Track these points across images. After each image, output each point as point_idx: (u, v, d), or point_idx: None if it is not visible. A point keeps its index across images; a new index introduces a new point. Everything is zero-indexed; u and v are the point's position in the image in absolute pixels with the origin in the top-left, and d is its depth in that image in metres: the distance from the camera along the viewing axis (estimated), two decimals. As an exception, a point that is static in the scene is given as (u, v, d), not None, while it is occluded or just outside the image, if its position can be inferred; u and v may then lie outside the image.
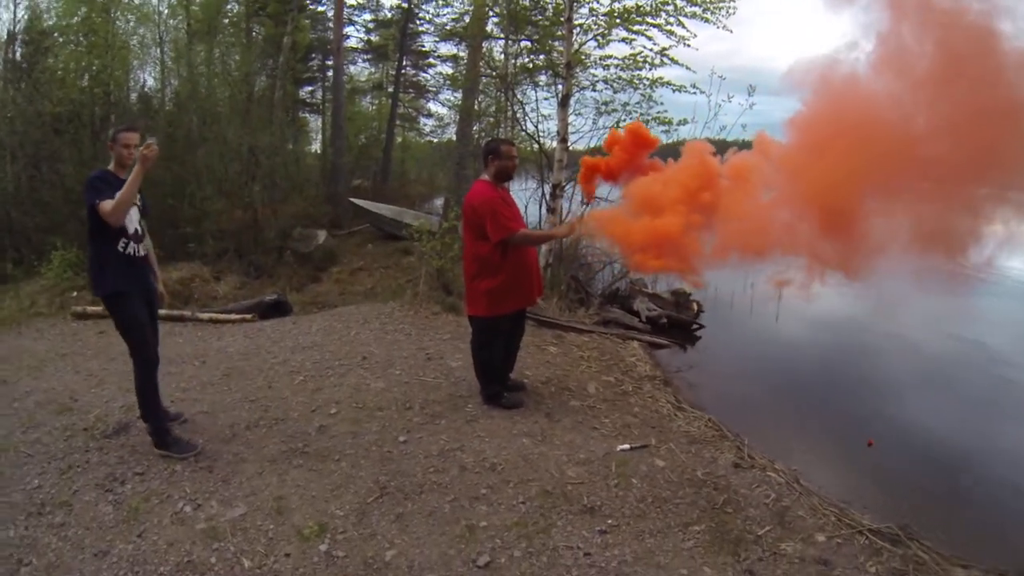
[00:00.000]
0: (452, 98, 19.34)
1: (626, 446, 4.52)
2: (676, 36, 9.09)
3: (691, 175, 4.96)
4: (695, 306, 8.67)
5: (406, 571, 3.17)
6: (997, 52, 3.43)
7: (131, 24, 13.00)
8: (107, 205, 3.81)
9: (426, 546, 3.36)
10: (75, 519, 3.50)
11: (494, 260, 4.63)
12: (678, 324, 8.26)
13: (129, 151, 3.98)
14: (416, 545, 3.36)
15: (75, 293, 8.69)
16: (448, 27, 17.65)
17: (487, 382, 5.10)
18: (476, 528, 3.51)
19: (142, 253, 4.20)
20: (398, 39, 19.35)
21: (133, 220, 4.08)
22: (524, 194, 10.29)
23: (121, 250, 4.02)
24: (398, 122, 20.61)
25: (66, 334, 7.19)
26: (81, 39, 11.68)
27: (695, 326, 8.44)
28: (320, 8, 19.24)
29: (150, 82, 14.08)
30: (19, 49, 12.78)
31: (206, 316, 7.73)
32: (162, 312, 7.57)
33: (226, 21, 15.67)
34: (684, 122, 9.67)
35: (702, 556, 3.39)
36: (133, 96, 13.49)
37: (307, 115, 21.43)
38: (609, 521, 3.64)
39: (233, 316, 7.75)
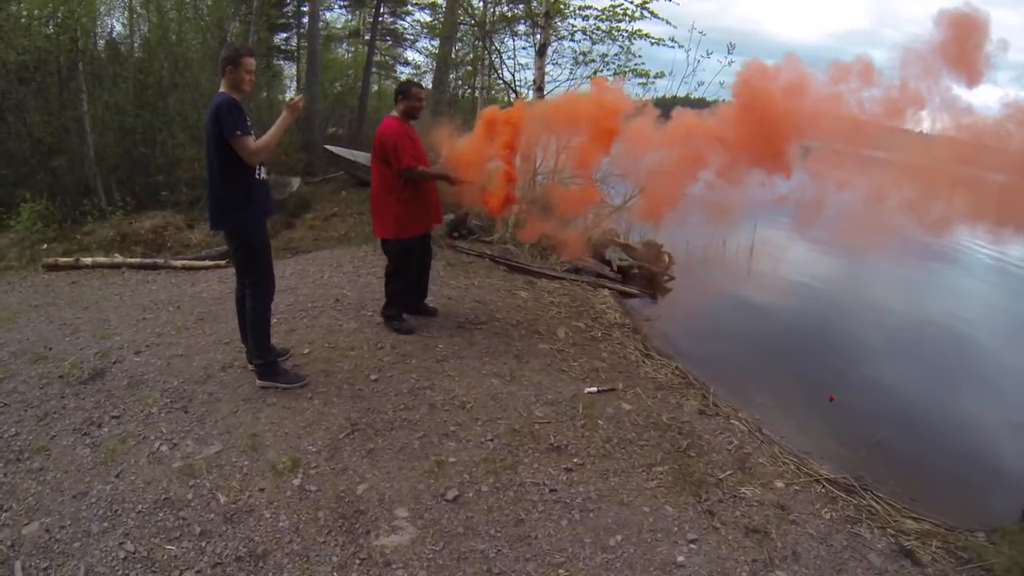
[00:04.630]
0: (429, 46, 19.05)
1: (593, 389, 4.64)
2: (657, -12, 8.99)
3: None
4: (667, 258, 8.74)
5: (376, 504, 3.29)
6: None
7: (97, -32, 12.54)
8: (251, 143, 3.82)
9: (396, 480, 3.47)
10: (53, 463, 3.55)
11: (398, 187, 5.04)
12: (649, 275, 8.32)
13: (251, 77, 3.93)
14: (386, 479, 3.47)
15: (45, 245, 8.60)
16: (428, -26, 17.26)
17: (390, 304, 5.45)
18: (445, 464, 3.63)
19: (266, 173, 4.23)
20: (376, -15, 18.92)
21: None
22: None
23: (257, 176, 4.03)
24: (374, 70, 20.24)
25: (38, 285, 7.14)
26: (46, -16, 11.29)
27: (666, 277, 8.52)
28: (296, -48, 18.69)
29: (118, 28, 13.69)
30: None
31: (179, 263, 7.72)
32: (134, 261, 7.61)
33: (197, -36, 15.15)
34: (661, 75, 9.64)
35: (664, 496, 3.54)
36: (101, 43, 13.11)
37: (281, 62, 20.91)
38: (575, 460, 3.78)
39: (207, 263, 7.74)
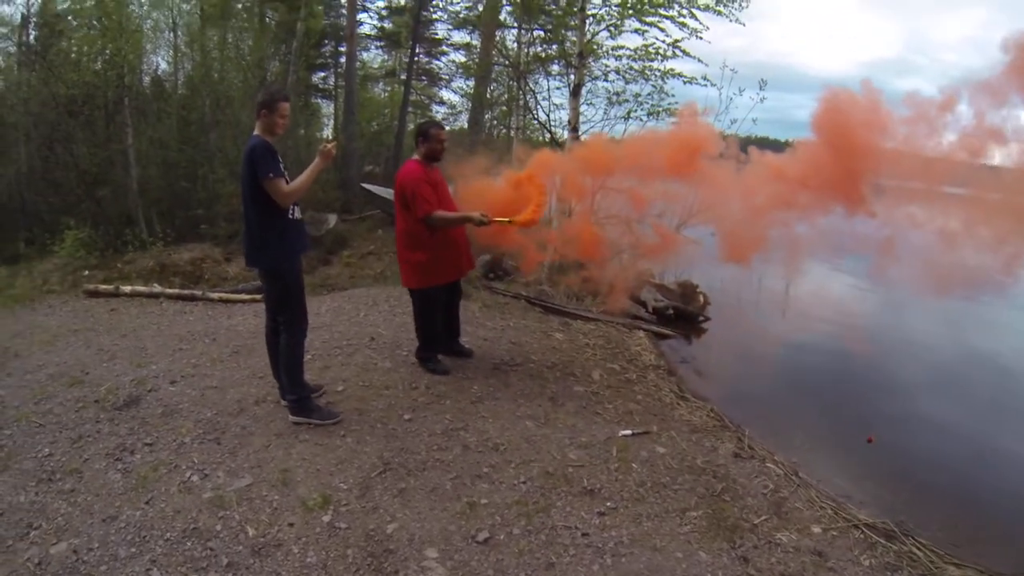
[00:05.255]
0: (465, 86, 19.32)
1: (628, 432, 4.56)
2: (688, 28, 9.08)
3: None
4: (702, 298, 8.64)
5: (407, 544, 3.23)
6: None
7: (144, 8, 12.99)
8: (283, 187, 3.93)
9: (427, 521, 3.42)
10: (85, 486, 3.59)
11: (423, 235, 4.90)
12: (684, 316, 8.24)
13: (285, 121, 4.04)
14: (417, 520, 3.42)
15: (87, 272, 8.80)
16: (462, 15, 17.56)
17: (424, 347, 5.38)
18: (477, 505, 3.57)
19: (300, 213, 4.31)
20: (411, 26, 19.30)
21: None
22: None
23: (291, 216, 4.11)
24: (410, 109, 20.56)
25: (78, 311, 7.29)
26: (95, 23, 11.70)
27: (701, 318, 8.43)
28: (334, -6, 19.17)
29: (163, 66, 14.14)
30: (33, 32, 12.84)
31: (216, 296, 7.81)
32: (172, 291, 7.74)
33: (239, 6, 15.57)
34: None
35: (698, 541, 3.44)
36: (146, 80, 13.54)
37: (319, 101, 21.33)
38: (608, 503, 3.69)
39: (243, 296, 7.82)
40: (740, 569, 3.25)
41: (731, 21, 8.96)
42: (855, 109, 4.45)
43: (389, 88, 22.84)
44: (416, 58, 20.07)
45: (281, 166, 3.96)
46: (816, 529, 3.65)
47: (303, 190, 4.05)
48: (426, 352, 5.36)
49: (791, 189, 4.84)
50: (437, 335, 5.39)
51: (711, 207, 5.50)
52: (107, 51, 11.00)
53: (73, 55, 11.78)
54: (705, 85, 9.38)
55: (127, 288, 7.92)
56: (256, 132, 4.01)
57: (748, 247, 5.30)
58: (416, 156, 5.03)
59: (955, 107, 4.13)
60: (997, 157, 4.09)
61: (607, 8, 9.22)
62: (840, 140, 4.49)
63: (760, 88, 9.01)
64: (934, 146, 4.26)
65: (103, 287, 7.92)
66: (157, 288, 8.03)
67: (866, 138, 4.38)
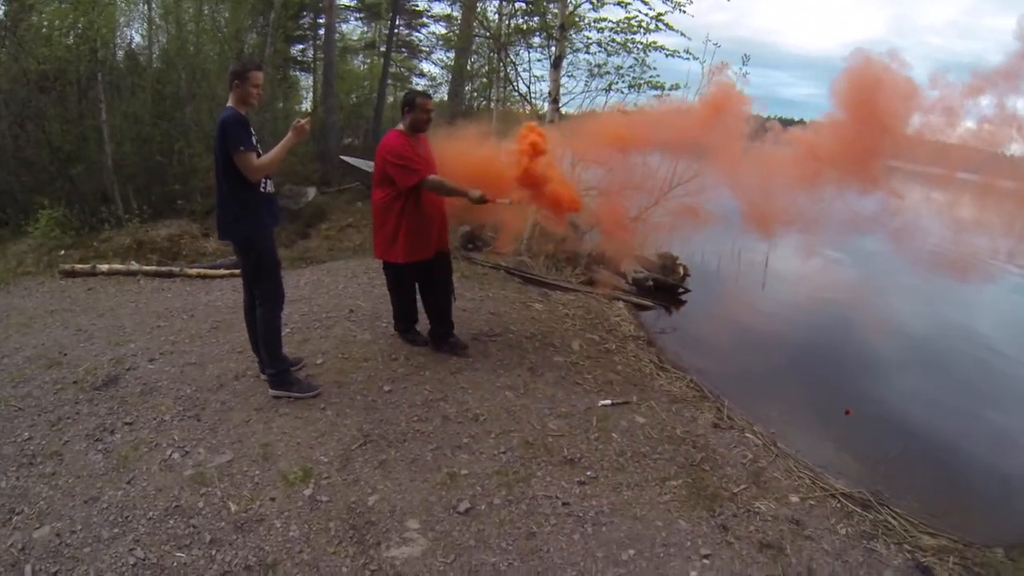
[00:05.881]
0: (445, 58, 19.16)
1: (607, 401, 4.60)
2: (672, 1, 9.00)
3: None
4: (682, 270, 8.68)
5: (388, 516, 3.26)
6: None
7: (118, -20, 12.69)
8: (253, 160, 3.88)
9: (408, 492, 3.45)
10: (65, 468, 3.57)
11: (396, 209, 4.74)
12: (664, 287, 8.29)
13: (258, 91, 3.98)
14: (398, 491, 3.45)
15: (62, 252, 8.69)
16: (443, -14, 17.40)
17: (396, 318, 5.39)
18: (457, 476, 3.60)
19: (273, 187, 4.27)
20: (391, -3, 19.06)
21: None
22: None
23: (262, 190, 4.07)
24: (390, 81, 20.31)
25: (54, 291, 7.21)
26: (66, -5, 11.44)
27: (681, 290, 8.48)
28: (312, -35, 18.82)
29: (137, 39, 13.82)
30: (2, 7, 12.50)
31: (194, 272, 7.75)
32: (150, 268, 7.67)
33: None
34: (676, 87, 9.63)
35: (678, 510, 3.50)
36: (120, 54, 13.25)
37: (298, 73, 21.03)
38: (588, 473, 3.74)
39: (221, 271, 7.77)
40: (719, 537, 3.30)
41: (714, -5, 8.91)
42: (886, 81, 4.26)
43: (369, 60, 22.52)
44: (396, 30, 19.81)
45: (253, 139, 3.91)
46: (794, 498, 3.72)
47: (273, 165, 4.01)
48: (400, 325, 5.36)
49: (817, 165, 4.72)
50: (409, 310, 5.33)
51: (733, 180, 5.38)
52: (79, 25, 10.71)
53: (44, 30, 11.42)
54: (687, 58, 9.32)
55: (104, 267, 7.83)
56: (229, 104, 3.94)
57: (770, 221, 5.25)
58: (400, 126, 4.82)
59: (984, 92, 4.01)
60: (1015, 146, 4.07)
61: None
62: (867, 114, 4.32)
63: (743, 63, 8.96)
64: (954, 131, 4.18)
65: (79, 267, 7.83)
66: (134, 266, 7.94)
67: (896, 115, 4.24)
